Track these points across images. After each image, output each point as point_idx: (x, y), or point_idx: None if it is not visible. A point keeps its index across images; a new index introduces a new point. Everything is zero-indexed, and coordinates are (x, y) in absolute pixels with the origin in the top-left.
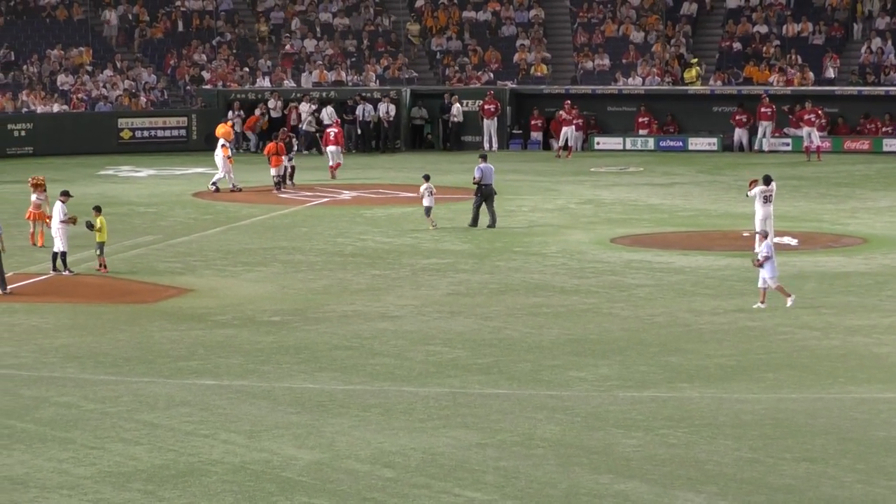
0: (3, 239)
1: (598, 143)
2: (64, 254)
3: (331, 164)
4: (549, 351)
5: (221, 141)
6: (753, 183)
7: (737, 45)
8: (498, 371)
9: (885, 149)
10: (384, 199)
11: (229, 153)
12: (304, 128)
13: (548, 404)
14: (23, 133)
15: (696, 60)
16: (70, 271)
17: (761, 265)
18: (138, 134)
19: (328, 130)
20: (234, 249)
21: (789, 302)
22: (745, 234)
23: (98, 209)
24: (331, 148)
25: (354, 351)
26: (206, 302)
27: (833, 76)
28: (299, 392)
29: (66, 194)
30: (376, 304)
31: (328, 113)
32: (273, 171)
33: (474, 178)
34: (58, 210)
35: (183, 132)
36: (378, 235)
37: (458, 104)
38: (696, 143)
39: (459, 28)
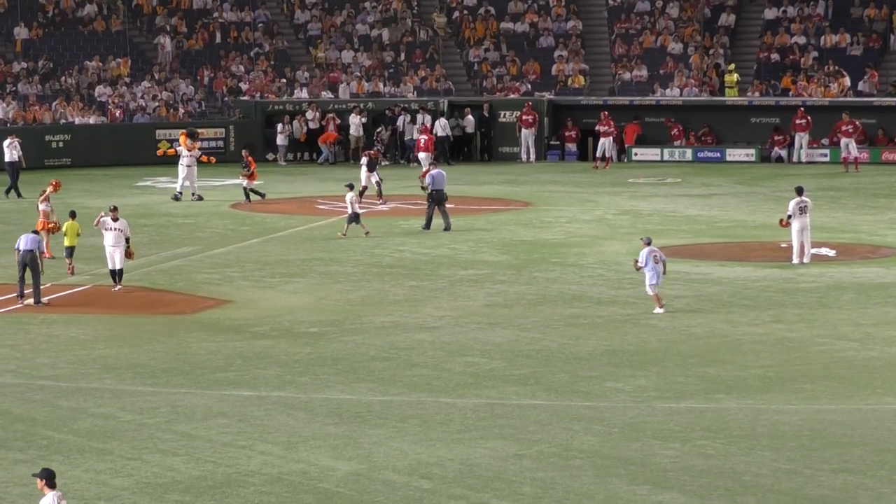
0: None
1: (635, 154)
2: (120, 271)
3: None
4: (587, 362)
5: (182, 151)
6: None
7: (775, 56)
8: (535, 382)
9: None
10: (421, 211)
11: (184, 161)
12: (411, 137)
13: (585, 415)
14: (61, 144)
15: (732, 67)
16: (118, 287)
17: (639, 269)
18: (177, 145)
19: (419, 138)
20: (272, 260)
21: (656, 310)
22: (782, 246)
23: (73, 214)
24: (421, 155)
25: (392, 362)
26: (243, 313)
27: (867, 90)
28: (336, 403)
29: (113, 210)
30: (414, 315)
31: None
32: (246, 183)
33: (425, 184)
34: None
35: (221, 143)
36: (415, 246)
37: (470, 116)
38: (734, 154)
39: (497, 39)
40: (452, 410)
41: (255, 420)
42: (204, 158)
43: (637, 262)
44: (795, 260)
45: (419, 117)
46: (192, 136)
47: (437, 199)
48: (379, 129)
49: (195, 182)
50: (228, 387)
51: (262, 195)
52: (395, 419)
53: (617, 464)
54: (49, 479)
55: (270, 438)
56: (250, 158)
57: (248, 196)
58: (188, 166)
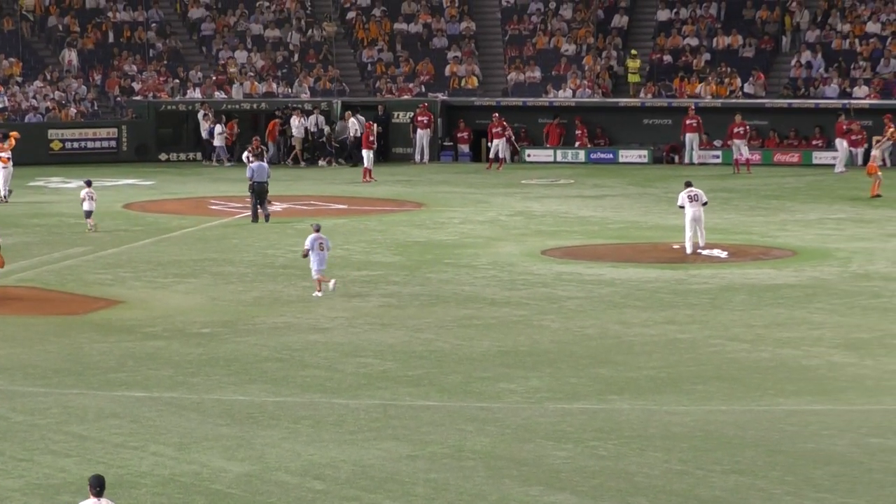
0: None
1: (528, 156)
2: None
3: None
4: (480, 363)
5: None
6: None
7: (667, 58)
8: (428, 383)
9: (815, 161)
10: (315, 211)
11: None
12: (346, 136)
13: (478, 416)
14: None
15: (635, 52)
16: None
17: (306, 256)
18: (68, 145)
19: (365, 134)
20: (165, 261)
21: (315, 293)
22: (675, 247)
23: None
24: (364, 152)
25: (285, 363)
26: (135, 314)
27: (753, 92)
28: (229, 404)
29: None
30: (307, 315)
31: (359, 119)
32: None
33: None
34: None
35: (113, 143)
36: None
37: (353, 119)
38: (627, 155)
39: (391, 40)
40: (345, 411)
41: (148, 421)
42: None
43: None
44: (689, 249)
45: (360, 117)
46: (4, 137)
47: (257, 191)
48: (327, 131)
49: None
50: (120, 387)
51: None
52: (288, 420)
53: (510, 464)
54: (92, 486)
55: (162, 439)
56: None
57: None
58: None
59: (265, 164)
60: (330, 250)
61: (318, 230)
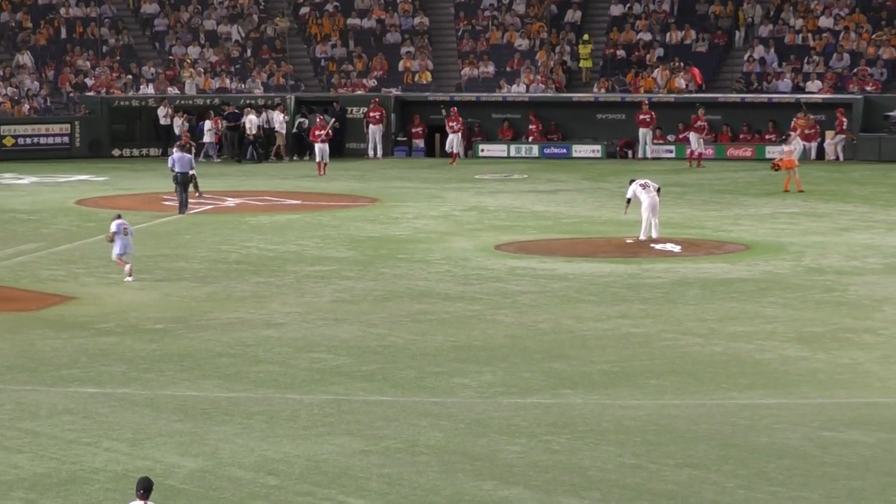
0: None
1: (482, 151)
2: None
3: (321, 160)
4: (434, 358)
5: None
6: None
7: (620, 53)
8: (382, 378)
9: (768, 156)
10: (268, 207)
11: None
12: (293, 131)
13: (432, 411)
14: None
15: (587, 37)
16: None
17: (112, 240)
18: (21, 141)
19: (314, 128)
20: None
21: (127, 279)
22: (628, 241)
23: None
24: (317, 146)
25: (238, 358)
26: (88, 310)
27: (684, 86)
28: (182, 400)
29: None
30: (260, 311)
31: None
32: None
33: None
34: None
35: (66, 139)
36: (262, 243)
37: (252, 116)
38: (580, 150)
39: (344, 35)
40: (299, 407)
41: (101, 417)
42: None
43: (110, 233)
44: (642, 237)
45: (327, 116)
46: None
47: (180, 181)
48: (301, 120)
49: None
50: (73, 384)
51: None
52: (242, 416)
53: (463, 459)
54: (137, 489)
55: (116, 435)
56: None
57: None
58: None
59: (187, 156)
60: (132, 235)
61: (119, 217)
